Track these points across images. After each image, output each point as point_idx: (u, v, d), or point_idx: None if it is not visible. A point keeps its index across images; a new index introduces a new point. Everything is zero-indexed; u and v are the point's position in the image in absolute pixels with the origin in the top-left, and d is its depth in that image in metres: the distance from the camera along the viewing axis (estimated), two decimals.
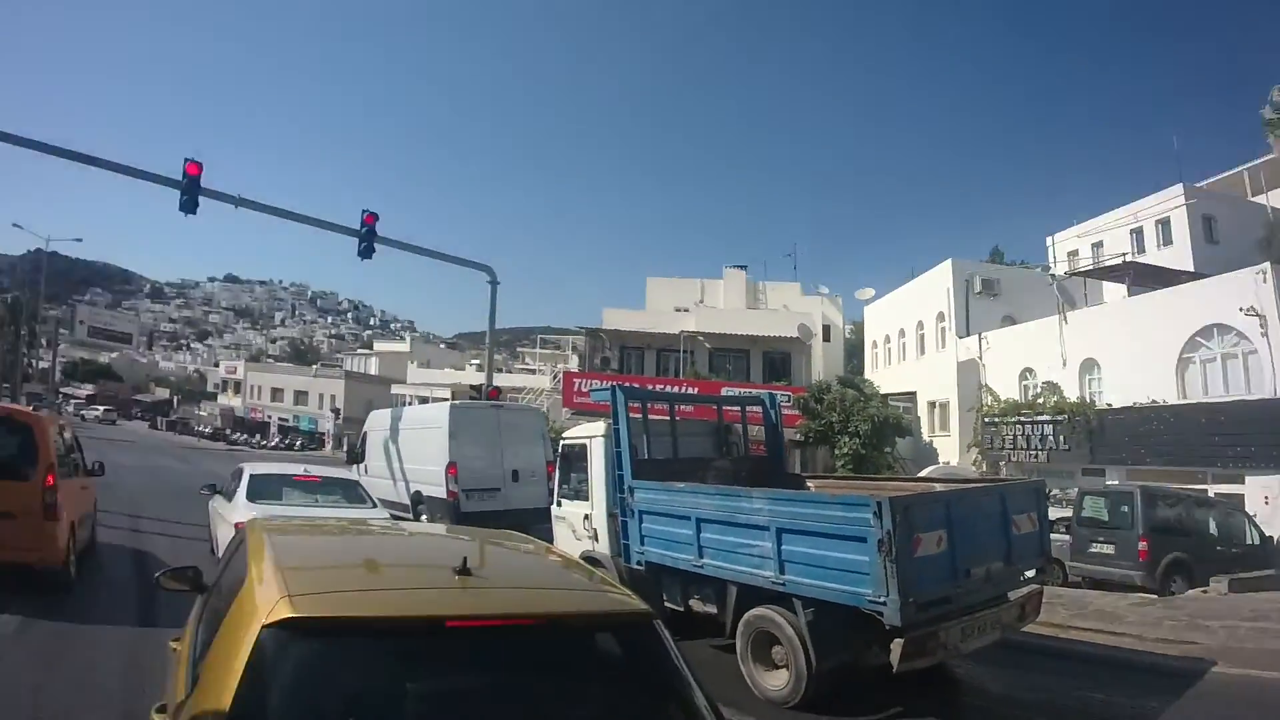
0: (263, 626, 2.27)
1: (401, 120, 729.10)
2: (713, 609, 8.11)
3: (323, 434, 64.54)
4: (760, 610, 7.28)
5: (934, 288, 31.62)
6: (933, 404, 30.85)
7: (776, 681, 7.04)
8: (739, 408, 11.82)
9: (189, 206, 17.87)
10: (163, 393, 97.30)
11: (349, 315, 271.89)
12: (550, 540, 9.56)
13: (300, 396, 71.88)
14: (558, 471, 11.39)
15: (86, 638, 7.54)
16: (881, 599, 6.14)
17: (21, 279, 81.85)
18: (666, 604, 8.48)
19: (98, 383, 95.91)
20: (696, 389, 28.81)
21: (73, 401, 78.30)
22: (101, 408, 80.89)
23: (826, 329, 38.16)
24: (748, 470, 10.38)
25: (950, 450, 28.47)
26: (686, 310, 36.87)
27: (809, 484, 10.64)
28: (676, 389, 27.68)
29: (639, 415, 9.97)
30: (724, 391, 25.48)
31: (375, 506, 10.77)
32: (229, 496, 10.54)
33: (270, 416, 72.57)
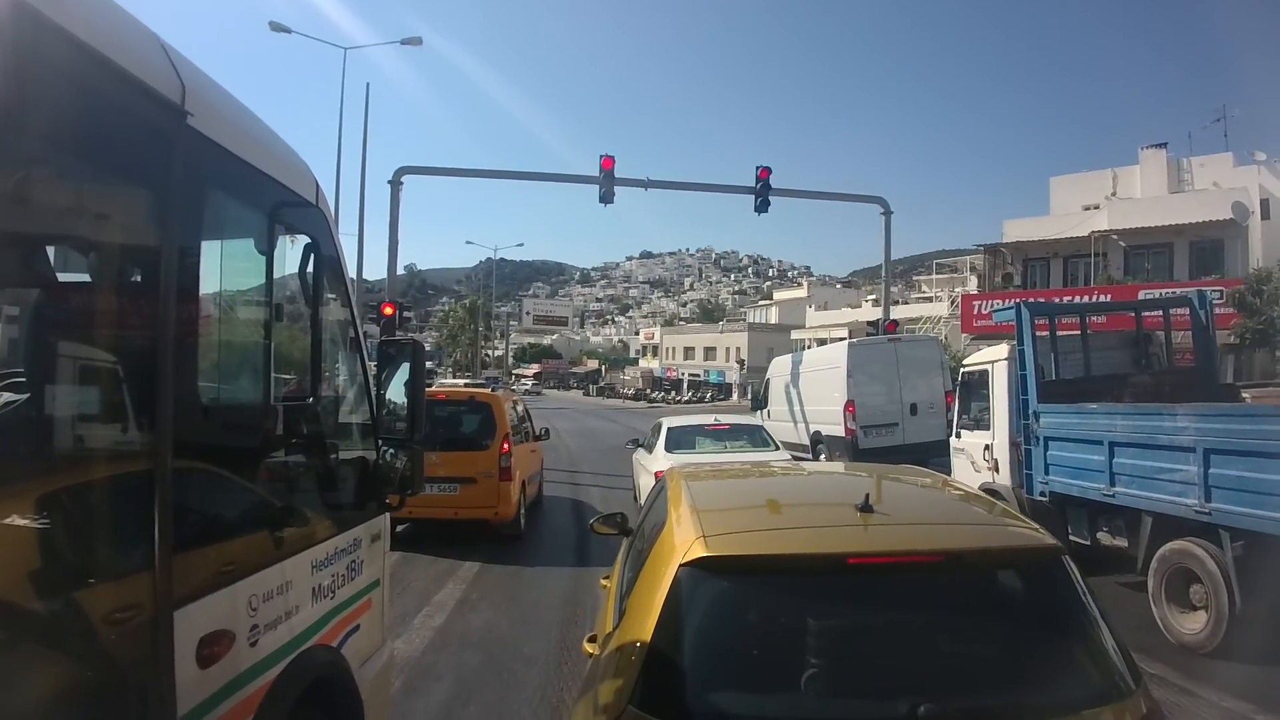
0: (680, 565, 2.43)
1: (782, 66, 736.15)
2: (1123, 543, 7.55)
3: (729, 385, 68.85)
4: (1178, 544, 6.62)
5: None
6: None
7: (1192, 625, 6.41)
8: (1160, 312, 10.56)
9: (607, 197, 20.39)
10: (593, 363, 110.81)
11: (749, 270, 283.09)
12: (948, 473, 9.51)
13: (709, 352, 77.25)
14: (957, 401, 11.31)
15: (532, 578, 8.83)
16: None
17: (476, 285, 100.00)
18: (1071, 537, 8.04)
19: (542, 361, 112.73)
20: (1109, 296, 25.39)
21: (521, 380, 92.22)
22: (530, 381, 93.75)
23: (1265, 204, 29.89)
24: (1171, 384, 9.28)
25: None
26: (1096, 207, 32.41)
27: (1244, 395, 9.22)
28: (1087, 299, 24.88)
29: (1045, 333, 9.43)
30: (1142, 295, 22.23)
31: (777, 449, 11.57)
32: (649, 448, 11.94)
33: (683, 374, 79.24)
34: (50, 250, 2.26)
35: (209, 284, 2.55)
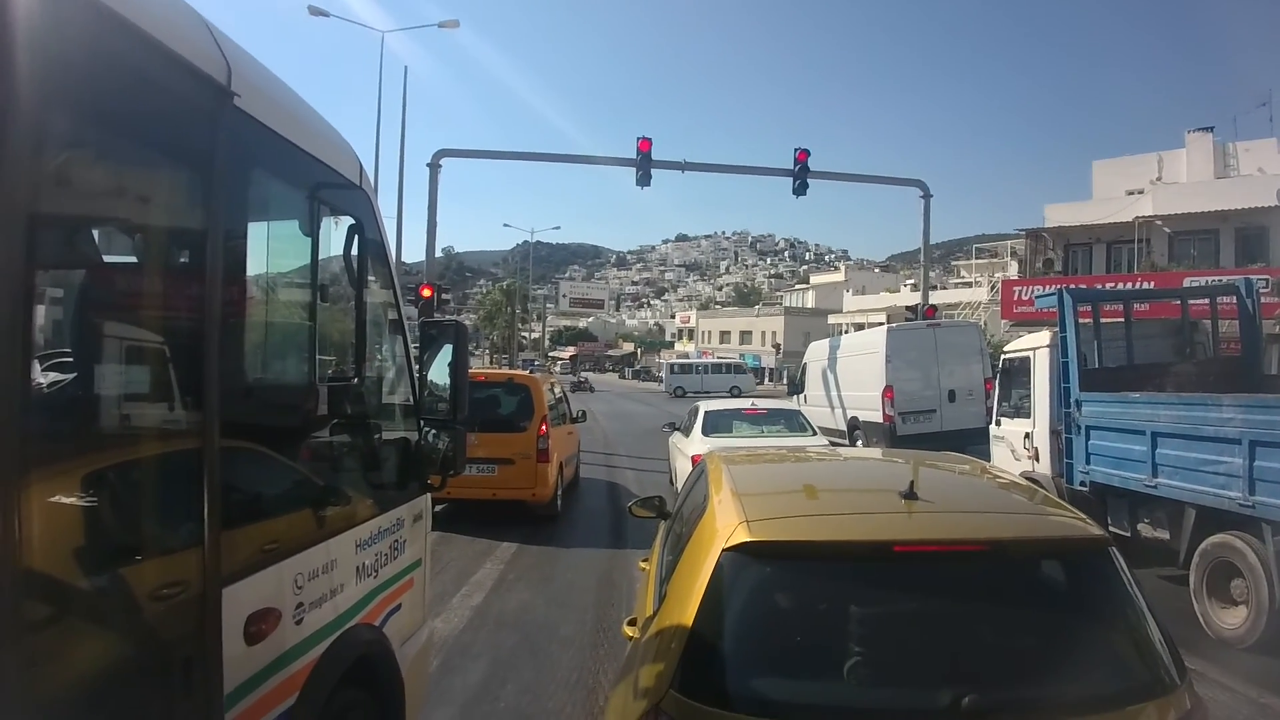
0: (723, 550, 2.40)
1: (819, 49, 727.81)
2: (1164, 535, 7.36)
3: (765, 369, 68.45)
4: (1221, 537, 6.46)
5: None
6: None
7: (1232, 620, 6.27)
8: (1206, 300, 10.26)
9: (644, 180, 20.24)
10: (628, 347, 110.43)
11: (785, 254, 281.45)
12: (987, 461, 9.38)
13: (744, 336, 76.95)
14: (997, 388, 11.17)
15: (568, 559, 8.84)
16: None
17: (513, 267, 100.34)
18: (1111, 528, 7.77)
19: (578, 344, 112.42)
20: (1153, 283, 24.70)
21: (558, 362, 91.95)
22: (559, 364, 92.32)
23: None
24: (1216, 373, 9.08)
25: None
26: (1140, 192, 31.45)
27: None
28: (1130, 285, 24.19)
29: (1088, 320, 9.16)
30: (1186, 282, 21.68)
31: (815, 434, 11.46)
32: (686, 432, 11.87)
33: (718, 358, 78.96)
34: (95, 231, 2.28)
35: (255, 265, 2.55)
